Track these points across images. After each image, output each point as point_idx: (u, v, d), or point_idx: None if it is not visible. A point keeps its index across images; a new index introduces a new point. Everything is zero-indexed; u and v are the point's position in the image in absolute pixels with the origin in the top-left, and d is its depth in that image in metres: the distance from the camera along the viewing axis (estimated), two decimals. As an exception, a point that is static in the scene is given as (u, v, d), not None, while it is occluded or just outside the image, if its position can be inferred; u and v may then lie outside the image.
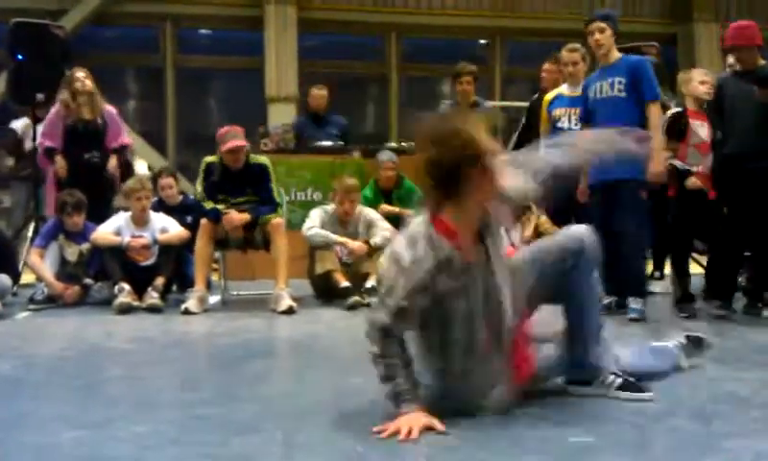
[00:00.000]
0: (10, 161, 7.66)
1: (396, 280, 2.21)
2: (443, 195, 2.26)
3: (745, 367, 3.21)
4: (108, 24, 11.38)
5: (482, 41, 12.71)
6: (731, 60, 4.82)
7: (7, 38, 6.72)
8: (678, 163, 4.83)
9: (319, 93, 7.75)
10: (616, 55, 4.84)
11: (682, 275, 4.92)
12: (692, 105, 4.67)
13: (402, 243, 2.26)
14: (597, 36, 4.78)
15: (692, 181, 4.80)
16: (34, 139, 6.57)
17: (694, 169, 4.84)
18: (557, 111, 5.82)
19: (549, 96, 6.00)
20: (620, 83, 4.71)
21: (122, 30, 11.77)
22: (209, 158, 5.45)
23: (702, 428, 2.27)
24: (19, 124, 7.32)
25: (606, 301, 4.82)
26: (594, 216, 4.82)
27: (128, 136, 6.52)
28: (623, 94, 4.70)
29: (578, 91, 5.75)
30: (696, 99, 4.60)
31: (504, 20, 12.28)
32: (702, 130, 4.70)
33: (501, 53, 12.42)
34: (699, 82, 4.63)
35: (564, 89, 5.89)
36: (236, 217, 5.29)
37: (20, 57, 6.67)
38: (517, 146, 4.88)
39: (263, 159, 5.60)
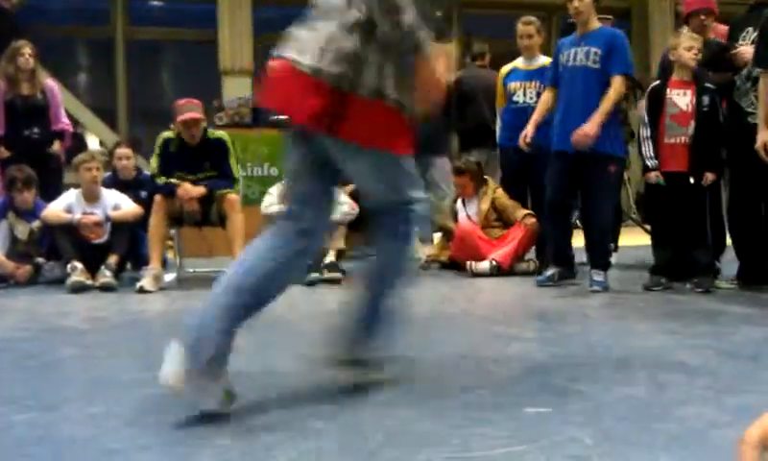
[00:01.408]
0: None
1: None
2: None
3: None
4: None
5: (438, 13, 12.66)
6: (685, 30, 4.85)
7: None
8: (648, 160, 4.71)
9: None
10: (595, 24, 4.81)
11: (658, 248, 4.87)
12: (678, 73, 4.62)
13: None
14: (576, 3, 4.76)
15: (653, 176, 4.69)
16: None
17: (652, 163, 4.67)
18: (512, 85, 5.86)
19: (505, 69, 6.02)
20: (596, 53, 4.69)
21: (71, 1, 11.44)
22: (166, 134, 5.35)
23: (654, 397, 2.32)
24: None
25: (549, 272, 4.91)
26: (555, 184, 4.85)
27: (66, 118, 6.29)
28: (596, 65, 4.68)
29: (534, 64, 5.80)
30: (683, 66, 4.55)
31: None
32: (683, 99, 4.61)
33: (458, 25, 12.38)
34: (685, 47, 4.58)
35: (519, 63, 5.92)
36: (191, 188, 5.20)
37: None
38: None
39: (222, 134, 5.51)
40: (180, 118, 5.21)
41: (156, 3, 12.12)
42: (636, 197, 5.78)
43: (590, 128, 4.54)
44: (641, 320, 3.79)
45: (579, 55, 4.74)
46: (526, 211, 5.75)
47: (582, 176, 4.74)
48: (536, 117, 5.06)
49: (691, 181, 4.57)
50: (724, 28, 5.12)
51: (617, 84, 4.64)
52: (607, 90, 4.62)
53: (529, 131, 5.05)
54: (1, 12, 6.64)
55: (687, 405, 2.19)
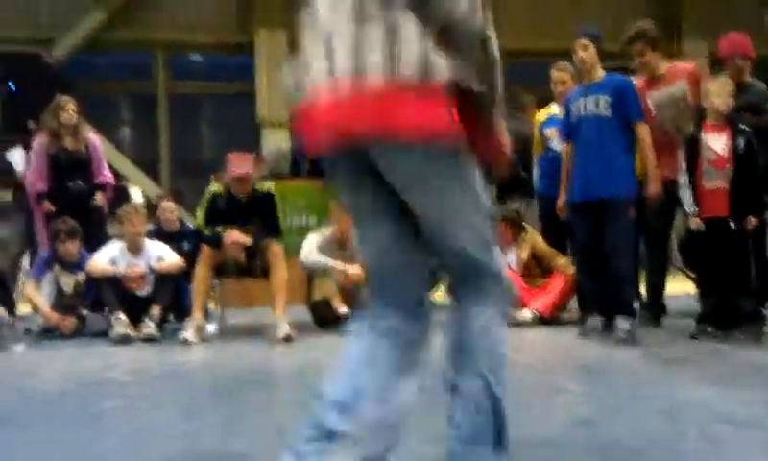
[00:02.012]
0: (7, 195, 7.65)
1: None
2: None
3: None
4: (99, 51, 11.42)
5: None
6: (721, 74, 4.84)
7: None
8: (688, 206, 4.71)
9: None
10: (600, 73, 4.86)
11: (703, 295, 4.81)
12: (711, 117, 4.62)
13: None
14: (581, 53, 4.81)
15: (695, 223, 4.67)
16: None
17: (692, 210, 4.67)
18: (549, 131, 5.86)
19: (541, 117, 6.03)
20: (605, 101, 4.71)
21: (114, 57, 11.81)
22: (214, 188, 5.37)
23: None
24: (15, 155, 7.31)
25: (593, 321, 4.83)
26: (582, 235, 4.86)
27: (108, 171, 6.45)
28: (607, 113, 4.71)
29: (567, 111, 5.79)
30: (715, 111, 4.54)
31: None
32: (718, 143, 4.58)
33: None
34: (716, 92, 4.59)
35: (555, 109, 5.93)
36: (238, 234, 5.24)
37: (12, 86, 6.69)
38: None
39: (269, 187, 5.52)
40: (233, 174, 5.27)
41: (196, 58, 12.45)
42: (680, 244, 5.69)
43: (653, 186, 4.71)
44: (688, 370, 3.71)
45: (589, 104, 4.77)
46: (565, 259, 5.70)
47: (601, 222, 4.72)
48: (565, 179, 5.04)
49: (732, 226, 4.51)
50: None
51: (644, 133, 4.70)
52: (624, 137, 4.68)
53: (562, 196, 5.03)
54: (45, 66, 6.87)
55: (737, 459, 2.14)
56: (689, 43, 12.22)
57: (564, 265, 5.65)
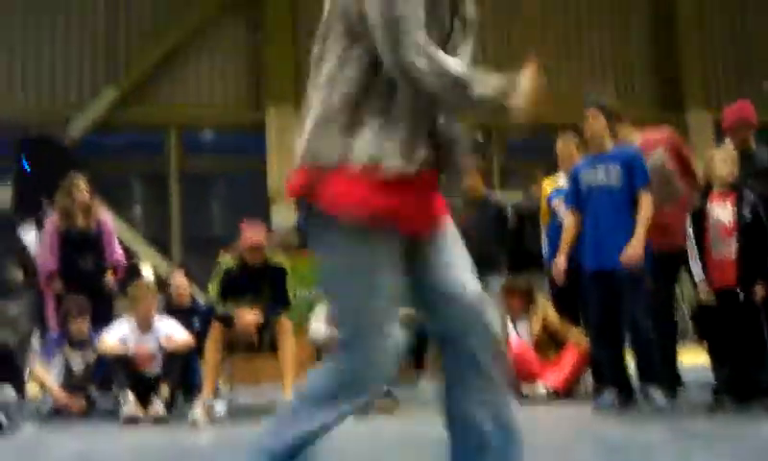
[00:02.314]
0: (19, 274, 7.68)
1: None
2: None
3: None
4: (112, 131, 11.61)
5: (479, 137, 12.93)
6: (726, 143, 4.88)
7: (12, 148, 6.87)
8: (696, 277, 4.71)
9: None
10: (609, 144, 4.89)
11: (717, 367, 4.78)
12: (717, 187, 4.69)
13: None
14: (590, 122, 4.86)
15: (704, 294, 4.66)
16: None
17: (699, 281, 4.67)
18: (556, 202, 5.88)
19: (548, 188, 6.07)
20: (616, 171, 4.74)
21: (126, 136, 12.00)
22: (227, 262, 5.37)
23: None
24: (28, 234, 7.37)
25: (609, 395, 4.74)
26: (596, 305, 4.81)
27: (120, 250, 6.49)
28: (618, 182, 4.73)
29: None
30: (721, 180, 4.58)
31: (499, 116, 12.49)
32: (724, 212, 4.59)
33: (498, 147, 12.62)
34: (720, 162, 4.66)
35: (561, 181, 5.96)
36: (250, 316, 5.22)
37: (26, 167, 6.80)
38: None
39: (281, 260, 5.52)
40: (248, 242, 5.30)
41: (207, 135, 12.64)
42: (691, 314, 5.64)
43: (635, 248, 4.57)
44: (708, 448, 3.62)
45: (599, 174, 4.80)
46: (578, 332, 5.64)
47: (616, 291, 4.69)
48: (565, 247, 5.04)
49: (741, 296, 4.47)
50: None
51: (647, 201, 4.69)
52: (634, 207, 4.67)
53: (561, 261, 5.03)
54: (61, 147, 6.99)
55: None
56: (693, 114, 12.36)
57: (578, 338, 5.59)
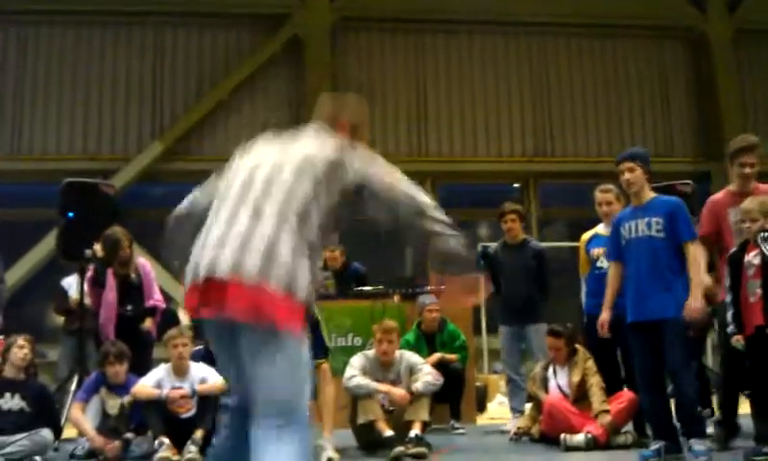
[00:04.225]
0: (60, 319, 7.81)
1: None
2: None
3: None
4: (156, 182, 11.88)
5: (516, 185, 12.94)
6: None
7: (58, 197, 7.04)
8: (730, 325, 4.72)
9: (331, 255, 7.70)
10: (649, 194, 4.85)
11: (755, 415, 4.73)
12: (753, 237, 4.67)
13: None
14: (627, 175, 4.81)
15: (735, 340, 4.67)
16: (81, 295, 6.72)
17: (731, 329, 4.69)
18: (595, 251, 5.84)
19: (586, 236, 6.03)
20: (657, 223, 4.69)
21: (169, 187, 12.26)
22: None
23: None
24: (69, 281, 7.51)
25: (654, 446, 4.63)
26: (640, 356, 4.74)
27: (159, 295, 6.59)
28: (661, 234, 4.68)
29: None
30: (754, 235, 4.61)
31: (536, 165, 12.54)
32: (756, 258, 4.59)
33: (535, 195, 12.60)
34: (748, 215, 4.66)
35: (600, 229, 5.92)
36: None
37: (70, 214, 6.95)
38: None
39: (313, 310, 5.53)
40: None
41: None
42: (722, 361, 5.52)
43: (695, 302, 4.52)
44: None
45: (641, 226, 4.74)
46: (604, 406, 5.45)
47: (658, 342, 4.60)
48: (609, 299, 4.99)
49: (766, 331, 4.41)
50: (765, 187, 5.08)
51: (695, 252, 4.64)
52: (676, 258, 4.62)
53: (605, 317, 4.97)
54: (103, 197, 7.14)
55: None
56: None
57: (601, 414, 5.40)
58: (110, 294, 6.25)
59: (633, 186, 4.81)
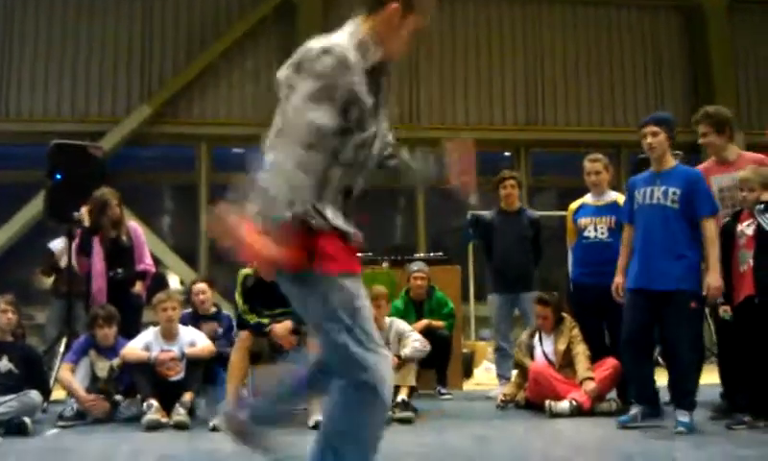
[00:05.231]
0: (47, 282, 7.80)
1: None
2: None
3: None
4: (144, 145, 11.80)
5: (507, 153, 12.93)
6: None
7: (46, 159, 6.99)
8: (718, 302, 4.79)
9: None
10: (671, 162, 4.77)
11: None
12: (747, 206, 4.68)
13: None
14: (650, 139, 4.72)
15: (722, 311, 4.76)
16: (69, 257, 6.71)
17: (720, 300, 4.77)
18: (582, 221, 5.84)
19: (574, 205, 6.04)
20: (674, 193, 4.63)
21: (157, 149, 12.19)
22: (245, 270, 5.38)
23: None
24: (57, 243, 7.49)
25: (632, 411, 4.69)
26: (633, 320, 4.72)
27: (149, 259, 6.57)
28: (676, 205, 4.62)
29: (603, 200, 5.80)
30: (748, 203, 4.61)
31: (528, 133, 12.51)
32: (749, 228, 4.62)
33: (526, 164, 12.59)
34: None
35: (588, 199, 5.93)
36: (282, 328, 5.17)
37: (58, 176, 6.91)
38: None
39: None
40: None
41: (237, 151, 12.78)
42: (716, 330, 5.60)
43: (715, 280, 4.51)
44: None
45: (656, 193, 4.68)
46: (588, 373, 5.49)
47: (662, 313, 4.61)
48: (622, 262, 4.91)
49: (756, 301, 4.48)
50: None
51: (712, 228, 4.58)
52: (689, 230, 4.59)
53: (619, 281, 4.91)
54: (91, 160, 7.09)
55: None
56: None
57: (586, 381, 5.45)
58: (99, 264, 6.23)
59: (655, 152, 4.72)
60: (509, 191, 6.80)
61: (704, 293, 4.56)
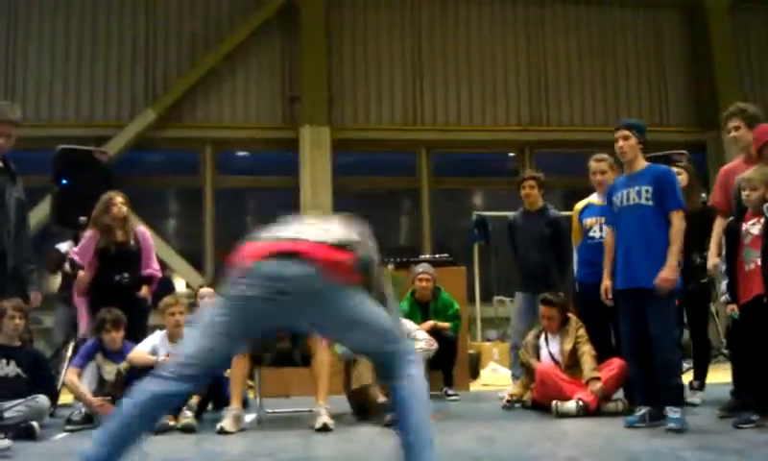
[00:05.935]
0: (55, 284, 7.82)
1: None
2: None
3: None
4: (149, 149, 11.84)
5: (511, 154, 12.94)
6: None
7: (52, 164, 7.02)
8: (724, 294, 4.83)
9: None
10: (642, 163, 4.89)
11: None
12: (751, 208, 4.70)
13: None
14: (621, 143, 4.86)
15: (729, 309, 4.78)
16: (74, 261, 6.72)
17: (725, 298, 4.83)
18: (588, 221, 5.86)
19: (579, 205, 6.04)
20: (647, 191, 4.73)
21: (162, 153, 12.23)
22: None
23: None
24: (64, 246, 7.51)
25: (640, 412, 4.69)
26: (627, 323, 4.79)
27: (157, 264, 6.54)
28: (650, 203, 4.72)
29: (607, 200, 5.79)
30: (752, 203, 4.64)
31: (531, 134, 12.52)
32: (756, 227, 4.64)
33: (530, 164, 12.60)
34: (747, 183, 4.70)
35: (594, 198, 5.94)
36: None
37: (64, 181, 6.94)
38: None
39: None
40: None
41: (241, 154, 12.82)
42: (726, 331, 5.59)
43: (668, 273, 4.56)
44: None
45: (631, 194, 4.79)
46: (594, 373, 5.49)
47: (644, 311, 4.64)
48: (608, 265, 5.01)
49: (765, 300, 4.45)
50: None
51: (678, 222, 4.66)
52: (665, 227, 4.65)
53: (607, 284, 4.99)
54: (97, 164, 7.12)
55: None
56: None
57: (592, 381, 5.44)
58: (92, 268, 6.20)
59: (626, 155, 4.86)
60: (528, 191, 6.78)
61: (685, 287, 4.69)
